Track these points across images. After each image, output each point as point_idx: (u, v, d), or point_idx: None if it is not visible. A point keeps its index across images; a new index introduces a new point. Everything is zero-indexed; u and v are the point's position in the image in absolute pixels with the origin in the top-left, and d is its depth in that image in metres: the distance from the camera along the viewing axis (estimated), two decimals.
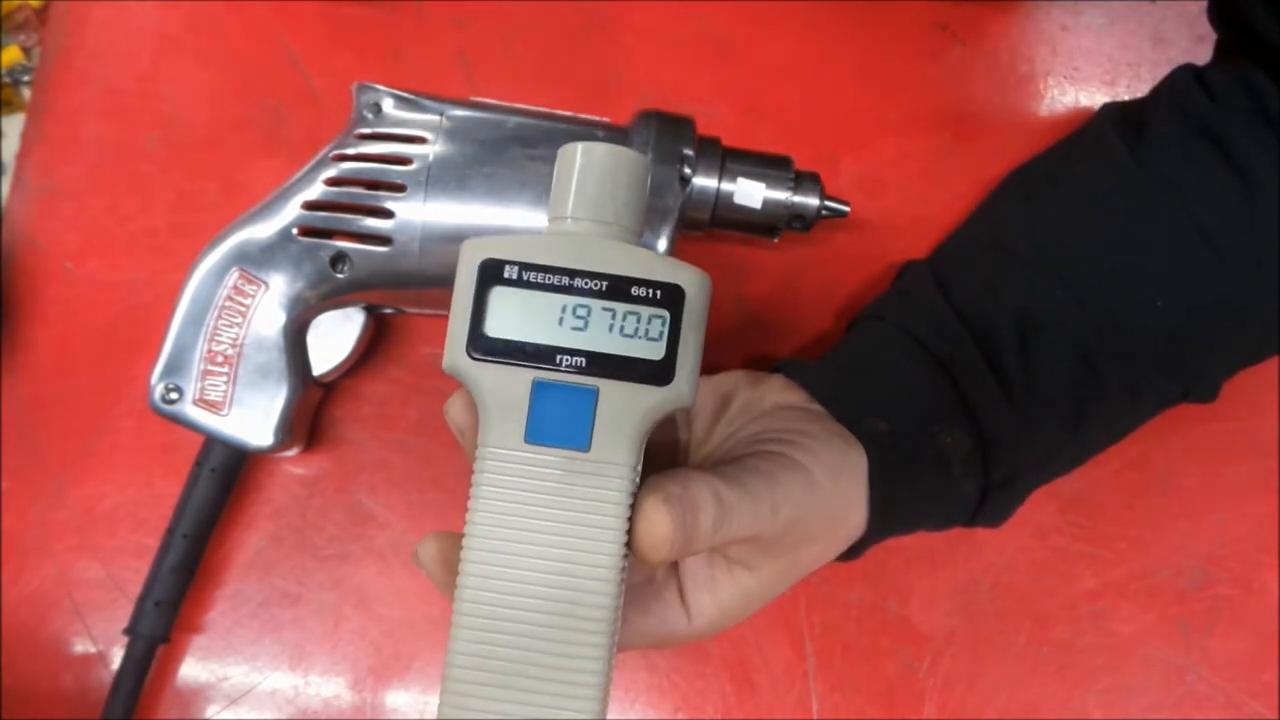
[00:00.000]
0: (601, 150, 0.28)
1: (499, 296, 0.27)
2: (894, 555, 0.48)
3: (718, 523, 0.29)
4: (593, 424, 0.27)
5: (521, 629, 0.26)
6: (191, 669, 0.46)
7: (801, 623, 0.47)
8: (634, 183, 0.28)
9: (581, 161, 0.28)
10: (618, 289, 0.27)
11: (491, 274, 0.27)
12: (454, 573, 0.28)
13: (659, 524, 0.27)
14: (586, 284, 0.27)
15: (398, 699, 0.46)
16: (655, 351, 0.27)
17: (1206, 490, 0.49)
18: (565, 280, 0.27)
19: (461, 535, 0.29)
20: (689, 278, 0.27)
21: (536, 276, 0.27)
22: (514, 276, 0.27)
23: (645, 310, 0.27)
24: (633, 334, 0.27)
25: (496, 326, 0.27)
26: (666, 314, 0.27)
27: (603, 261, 0.27)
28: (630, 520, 0.27)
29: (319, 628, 0.46)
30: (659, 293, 0.27)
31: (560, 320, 0.27)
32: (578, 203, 0.28)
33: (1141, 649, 0.48)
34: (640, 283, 0.27)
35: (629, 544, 0.27)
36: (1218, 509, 0.49)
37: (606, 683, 0.27)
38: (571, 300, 0.27)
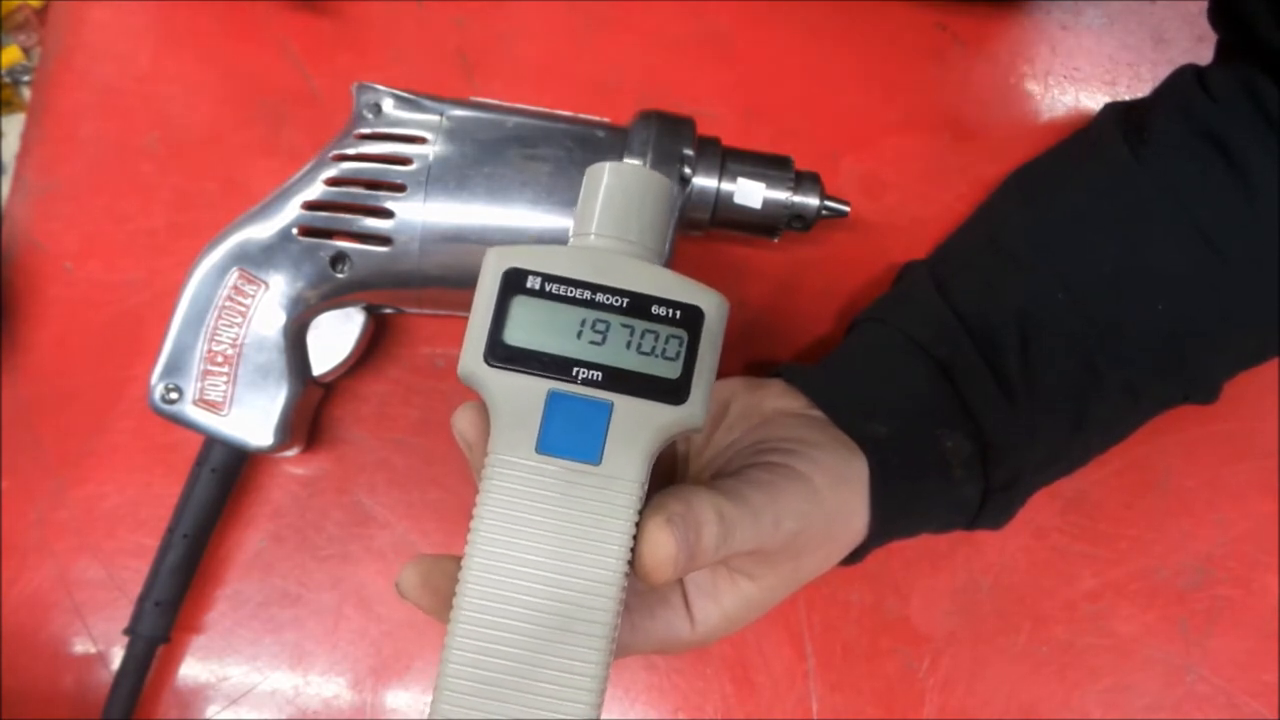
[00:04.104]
0: (629, 170, 0.29)
1: (520, 306, 0.27)
2: (894, 556, 0.48)
3: (720, 540, 0.29)
4: (605, 438, 0.27)
5: (520, 637, 0.26)
6: (191, 669, 0.46)
7: (801, 623, 0.47)
8: (659, 204, 0.29)
9: (609, 180, 0.28)
10: (638, 306, 0.27)
11: (514, 283, 0.27)
12: (441, 598, 0.28)
13: (662, 545, 0.27)
14: (607, 299, 0.27)
15: (398, 699, 0.46)
16: (671, 370, 0.27)
17: (1206, 490, 0.49)
18: (587, 294, 0.27)
19: (439, 556, 0.29)
20: (709, 300, 0.28)
21: (558, 289, 0.27)
22: (536, 287, 0.27)
23: (664, 329, 0.27)
24: (650, 352, 0.27)
25: (515, 335, 0.27)
26: (684, 334, 0.27)
27: (625, 278, 0.27)
28: (634, 537, 0.27)
29: (319, 628, 0.46)
30: (678, 313, 0.27)
31: (579, 333, 0.27)
32: (603, 220, 0.28)
33: (1141, 649, 0.48)
34: (661, 302, 0.27)
35: (631, 559, 0.27)
36: (1218, 509, 0.49)
37: (601, 693, 0.27)
38: (592, 314, 0.27)
